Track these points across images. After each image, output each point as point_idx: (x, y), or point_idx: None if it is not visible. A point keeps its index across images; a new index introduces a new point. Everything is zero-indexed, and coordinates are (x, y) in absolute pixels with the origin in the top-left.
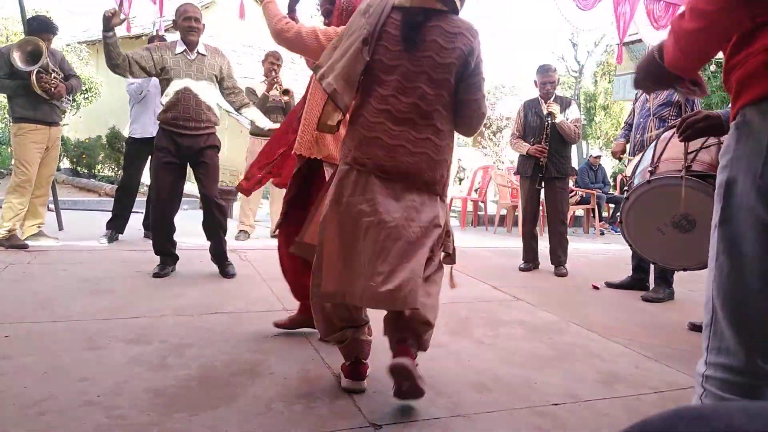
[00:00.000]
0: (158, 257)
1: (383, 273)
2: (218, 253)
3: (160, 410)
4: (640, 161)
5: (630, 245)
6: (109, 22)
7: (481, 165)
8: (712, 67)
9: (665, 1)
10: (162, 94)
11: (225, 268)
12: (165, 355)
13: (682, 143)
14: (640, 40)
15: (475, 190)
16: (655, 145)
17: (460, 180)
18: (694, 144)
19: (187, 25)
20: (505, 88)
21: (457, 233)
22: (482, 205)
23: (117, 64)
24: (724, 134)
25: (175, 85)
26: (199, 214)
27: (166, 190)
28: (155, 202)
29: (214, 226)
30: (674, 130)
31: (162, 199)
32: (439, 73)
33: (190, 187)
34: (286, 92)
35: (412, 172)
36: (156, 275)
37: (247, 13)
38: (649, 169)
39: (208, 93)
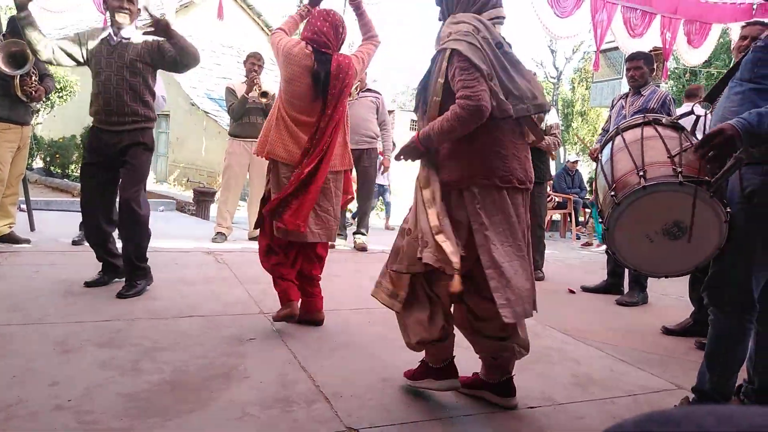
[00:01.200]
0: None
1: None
2: (126, 263)
3: (133, 415)
4: (611, 163)
5: (614, 254)
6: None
7: None
8: (687, 75)
9: (642, 9)
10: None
11: (127, 286)
12: (138, 358)
13: (661, 144)
14: (616, 48)
15: None
16: (627, 147)
17: None
18: (674, 147)
19: (117, 4)
20: None
21: None
22: None
23: (37, 49)
24: (734, 151)
25: (97, 75)
26: (175, 216)
27: (88, 195)
28: (81, 207)
29: (124, 232)
30: (639, 130)
31: (86, 204)
32: None
33: (166, 188)
34: (264, 94)
35: (530, 176)
36: (86, 284)
37: (226, 13)
38: (639, 173)
39: (133, 82)
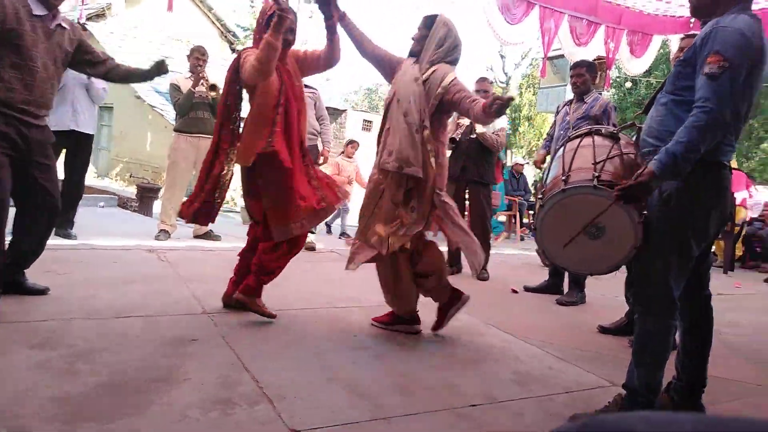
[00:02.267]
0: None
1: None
2: (31, 260)
3: (67, 419)
4: (549, 170)
5: (542, 252)
6: None
7: None
8: (628, 84)
9: (587, 19)
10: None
11: (25, 281)
12: (73, 360)
13: (591, 153)
14: (562, 56)
15: None
16: (563, 155)
17: None
18: (601, 154)
19: None
20: None
21: None
22: None
23: None
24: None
25: (30, 59)
26: (117, 213)
27: (6, 189)
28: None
29: (43, 233)
30: (579, 140)
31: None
32: None
33: (108, 182)
34: (213, 87)
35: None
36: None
37: (176, 5)
38: (563, 178)
39: (60, 75)
